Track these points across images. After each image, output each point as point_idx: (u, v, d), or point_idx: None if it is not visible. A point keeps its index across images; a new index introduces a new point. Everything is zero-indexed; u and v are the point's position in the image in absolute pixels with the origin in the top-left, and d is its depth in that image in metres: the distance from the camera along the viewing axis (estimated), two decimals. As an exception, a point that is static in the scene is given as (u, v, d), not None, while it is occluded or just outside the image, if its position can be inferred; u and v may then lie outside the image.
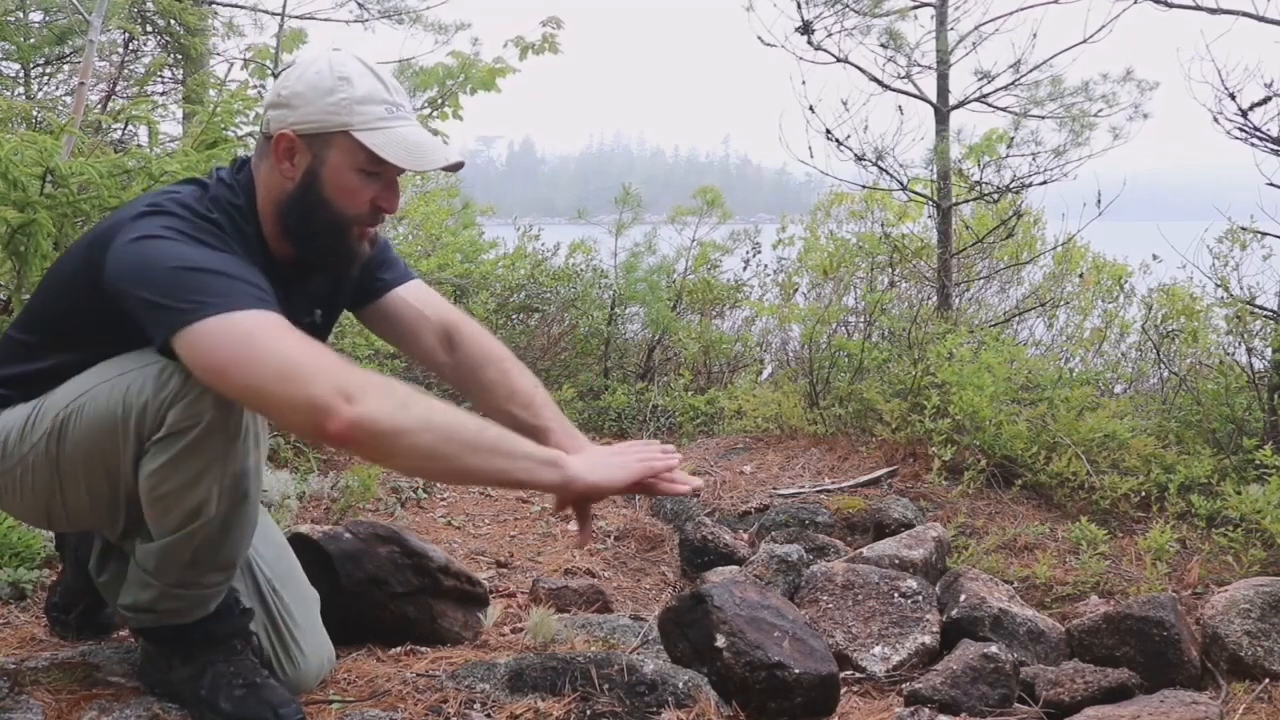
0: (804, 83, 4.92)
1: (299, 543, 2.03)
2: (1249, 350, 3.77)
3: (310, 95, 1.57)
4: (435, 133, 5.49)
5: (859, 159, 4.98)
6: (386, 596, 2.11)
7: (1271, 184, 3.68)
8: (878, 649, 2.37)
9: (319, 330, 1.81)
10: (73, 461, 1.55)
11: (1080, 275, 5.65)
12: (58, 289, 1.64)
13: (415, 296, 1.90)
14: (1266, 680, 2.23)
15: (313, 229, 1.62)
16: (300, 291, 1.71)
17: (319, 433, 1.34)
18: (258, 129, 3.11)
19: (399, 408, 1.35)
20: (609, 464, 1.58)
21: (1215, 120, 3.74)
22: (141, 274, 1.42)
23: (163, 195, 1.58)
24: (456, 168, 1.66)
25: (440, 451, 1.39)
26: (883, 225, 5.61)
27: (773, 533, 3.15)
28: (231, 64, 6.64)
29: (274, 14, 6.66)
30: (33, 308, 1.69)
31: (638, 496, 3.96)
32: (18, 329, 1.68)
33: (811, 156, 5.03)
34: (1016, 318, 5.62)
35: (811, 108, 4.93)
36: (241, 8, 6.92)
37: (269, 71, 4.27)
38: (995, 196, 5.06)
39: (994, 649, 2.13)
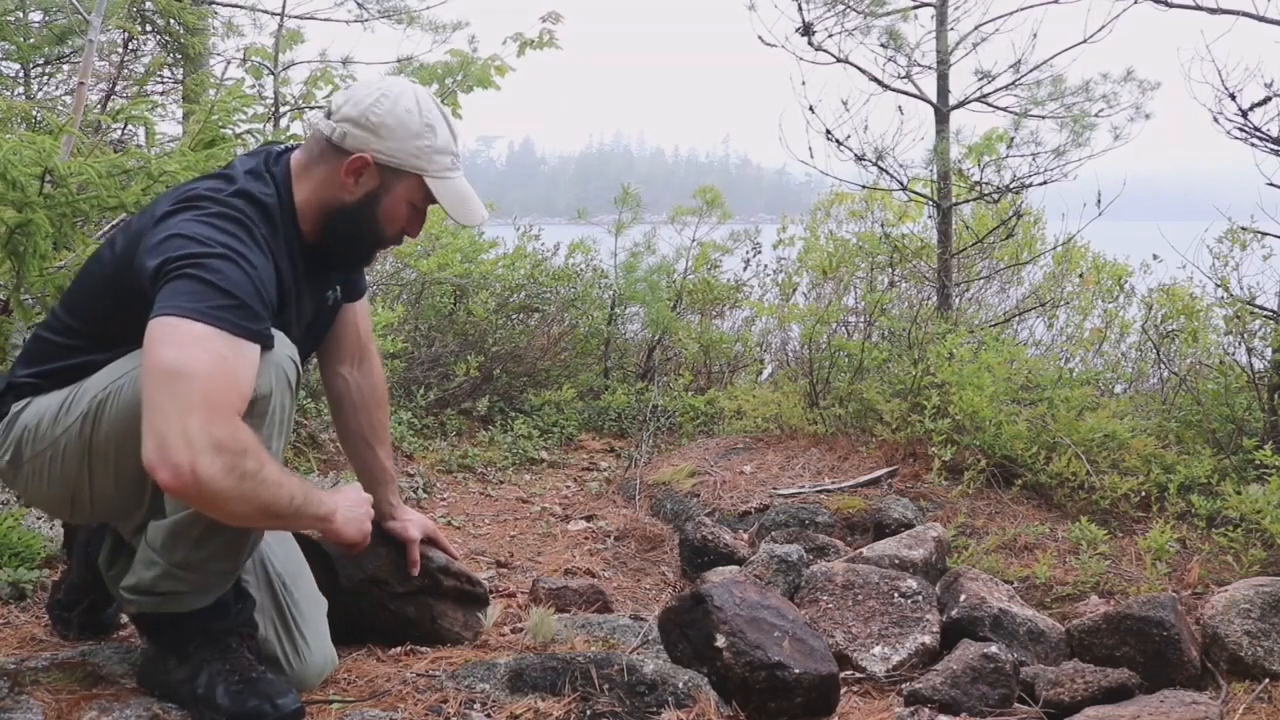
0: (804, 83, 4.91)
1: (300, 543, 2.03)
2: (1249, 350, 3.76)
3: (400, 133, 1.72)
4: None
5: (859, 159, 4.97)
6: (386, 596, 2.11)
7: (1271, 184, 3.67)
8: (878, 649, 2.36)
9: (331, 311, 1.97)
10: (107, 441, 1.59)
11: (1080, 275, 5.64)
12: (94, 292, 1.70)
13: (362, 311, 2.09)
14: (1266, 680, 2.23)
15: (355, 240, 1.81)
16: (322, 271, 1.86)
17: (149, 470, 1.40)
18: (259, 126, 3.11)
19: (238, 480, 1.42)
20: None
21: (1215, 120, 3.74)
22: (168, 263, 1.50)
23: (187, 190, 1.65)
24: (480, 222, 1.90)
25: (248, 514, 1.51)
26: (883, 225, 5.61)
27: (773, 533, 3.15)
28: (229, 63, 6.64)
29: (273, 14, 6.67)
30: (69, 311, 1.74)
31: (638, 496, 3.96)
32: (51, 330, 1.73)
33: (811, 156, 5.02)
34: (1016, 318, 5.62)
35: (811, 108, 4.92)
36: (241, 7, 6.92)
37: (267, 71, 4.26)
38: (995, 196, 5.05)
39: (994, 649, 2.13)
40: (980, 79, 4.96)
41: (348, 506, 1.75)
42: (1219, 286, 3.96)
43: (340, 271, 1.94)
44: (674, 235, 6.31)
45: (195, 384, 1.40)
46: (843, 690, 2.10)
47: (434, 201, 1.80)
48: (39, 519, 2.52)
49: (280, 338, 1.60)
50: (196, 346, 1.42)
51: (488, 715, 1.72)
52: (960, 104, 5.00)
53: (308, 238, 1.76)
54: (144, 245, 1.55)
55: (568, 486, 4.30)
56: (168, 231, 1.53)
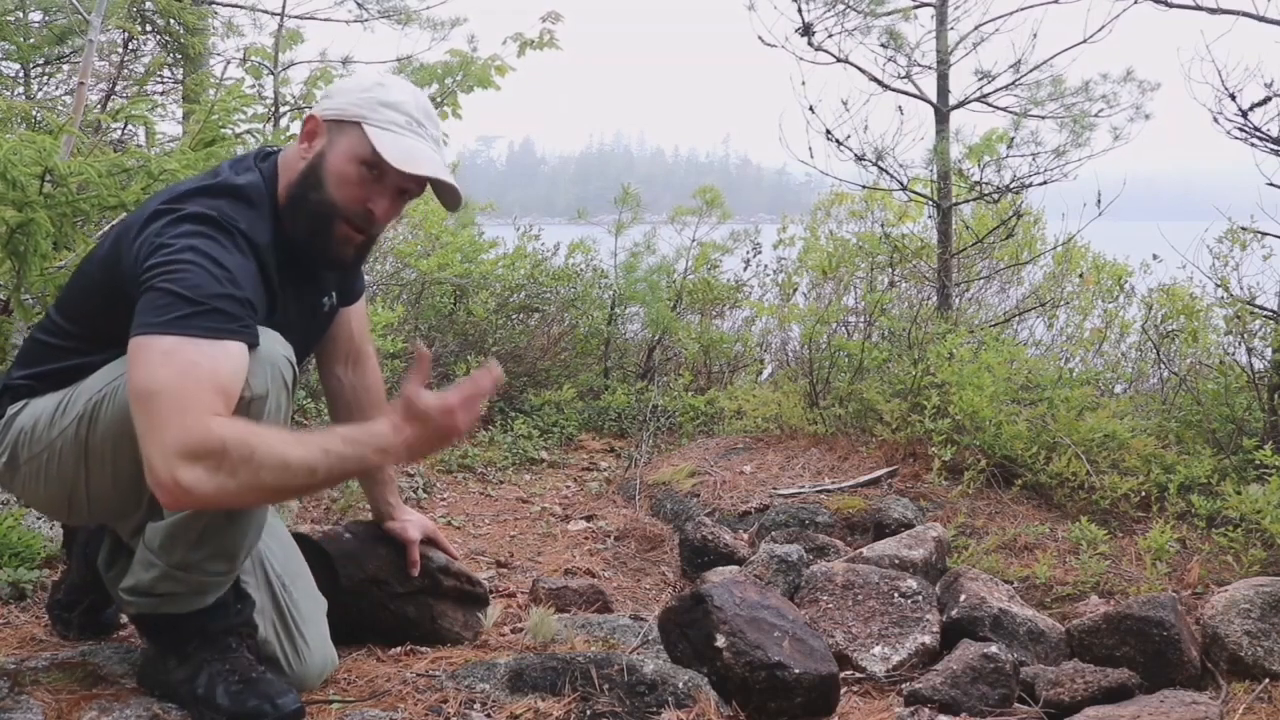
0: (804, 83, 4.91)
1: (299, 543, 2.03)
2: (1249, 350, 3.76)
3: (348, 88, 1.72)
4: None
5: (859, 159, 4.97)
6: (386, 596, 2.11)
7: (1271, 184, 3.67)
8: (878, 649, 2.36)
9: (328, 315, 1.94)
10: (103, 443, 1.59)
11: (1080, 275, 5.64)
12: (87, 291, 1.70)
13: (357, 313, 2.08)
14: (1266, 680, 2.23)
15: (305, 208, 1.69)
16: (311, 267, 1.80)
17: (153, 488, 1.41)
18: (258, 126, 3.11)
19: (227, 477, 1.39)
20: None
21: (1215, 120, 3.74)
22: (142, 273, 1.51)
23: (173, 191, 1.64)
24: (453, 198, 1.75)
25: (266, 498, 1.56)
26: (883, 225, 5.61)
27: (773, 533, 3.15)
28: (229, 63, 6.64)
29: (273, 14, 6.67)
30: (63, 312, 1.74)
31: (638, 496, 3.96)
32: (45, 332, 1.73)
33: (811, 156, 5.02)
34: (1016, 318, 5.62)
35: (811, 108, 4.92)
36: (241, 7, 6.92)
37: (267, 71, 4.26)
38: (995, 196, 5.05)
39: (994, 649, 2.13)
40: (980, 79, 4.96)
41: (399, 445, 1.52)
42: (1219, 286, 3.96)
43: (319, 265, 1.81)
44: (674, 235, 6.31)
45: (164, 401, 1.40)
46: (843, 690, 2.10)
47: (379, 159, 1.64)
48: (39, 519, 2.52)
49: (276, 336, 1.60)
50: (164, 363, 1.42)
51: (488, 715, 1.72)
52: (960, 104, 5.00)
53: (289, 228, 1.74)
54: (131, 248, 1.56)
55: (568, 486, 4.30)
56: (148, 237, 1.55)
